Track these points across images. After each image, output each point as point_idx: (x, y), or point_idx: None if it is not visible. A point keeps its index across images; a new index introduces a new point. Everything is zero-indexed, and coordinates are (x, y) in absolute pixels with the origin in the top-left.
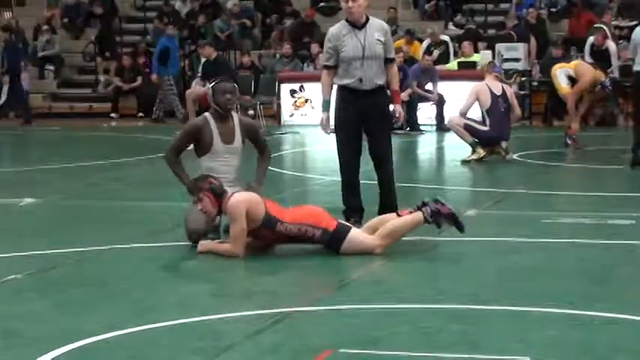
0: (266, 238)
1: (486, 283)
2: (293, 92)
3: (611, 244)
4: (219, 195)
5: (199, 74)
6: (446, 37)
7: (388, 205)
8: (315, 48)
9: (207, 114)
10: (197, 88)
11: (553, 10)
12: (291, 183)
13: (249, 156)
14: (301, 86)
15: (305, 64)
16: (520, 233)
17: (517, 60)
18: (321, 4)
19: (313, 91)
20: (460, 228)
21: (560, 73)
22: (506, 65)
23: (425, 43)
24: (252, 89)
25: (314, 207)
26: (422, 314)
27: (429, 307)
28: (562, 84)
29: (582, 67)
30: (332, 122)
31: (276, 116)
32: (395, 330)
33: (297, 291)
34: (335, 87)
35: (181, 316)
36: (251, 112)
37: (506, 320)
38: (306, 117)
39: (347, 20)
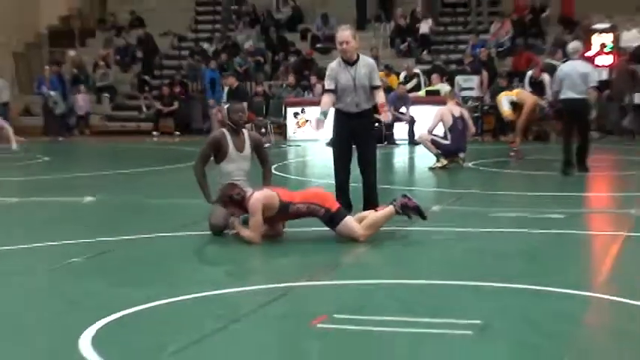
0: (282, 219)
1: (449, 263)
2: (296, 114)
3: (546, 233)
4: (239, 201)
5: (224, 100)
6: (418, 70)
7: (371, 202)
8: (313, 79)
9: (223, 129)
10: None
11: (500, 49)
12: (294, 185)
13: (255, 160)
14: (303, 109)
15: (305, 92)
16: (475, 224)
17: (472, 89)
18: (318, 45)
19: (312, 113)
20: (423, 217)
21: (504, 100)
22: (464, 93)
23: (402, 75)
24: (264, 112)
25: (318, 189)
26: (398, 288)
27: (404, 283)
28: (504, 108)
29: (523, 94)
30: (324, 137)
31: (282, 133)
32: (377, 300)
33: (300, 270)
34: (332, 110)
35: (205, 289)
36: (263, 130)
37: (465, 293)
38: (306, 134)
39: (342, 58)
